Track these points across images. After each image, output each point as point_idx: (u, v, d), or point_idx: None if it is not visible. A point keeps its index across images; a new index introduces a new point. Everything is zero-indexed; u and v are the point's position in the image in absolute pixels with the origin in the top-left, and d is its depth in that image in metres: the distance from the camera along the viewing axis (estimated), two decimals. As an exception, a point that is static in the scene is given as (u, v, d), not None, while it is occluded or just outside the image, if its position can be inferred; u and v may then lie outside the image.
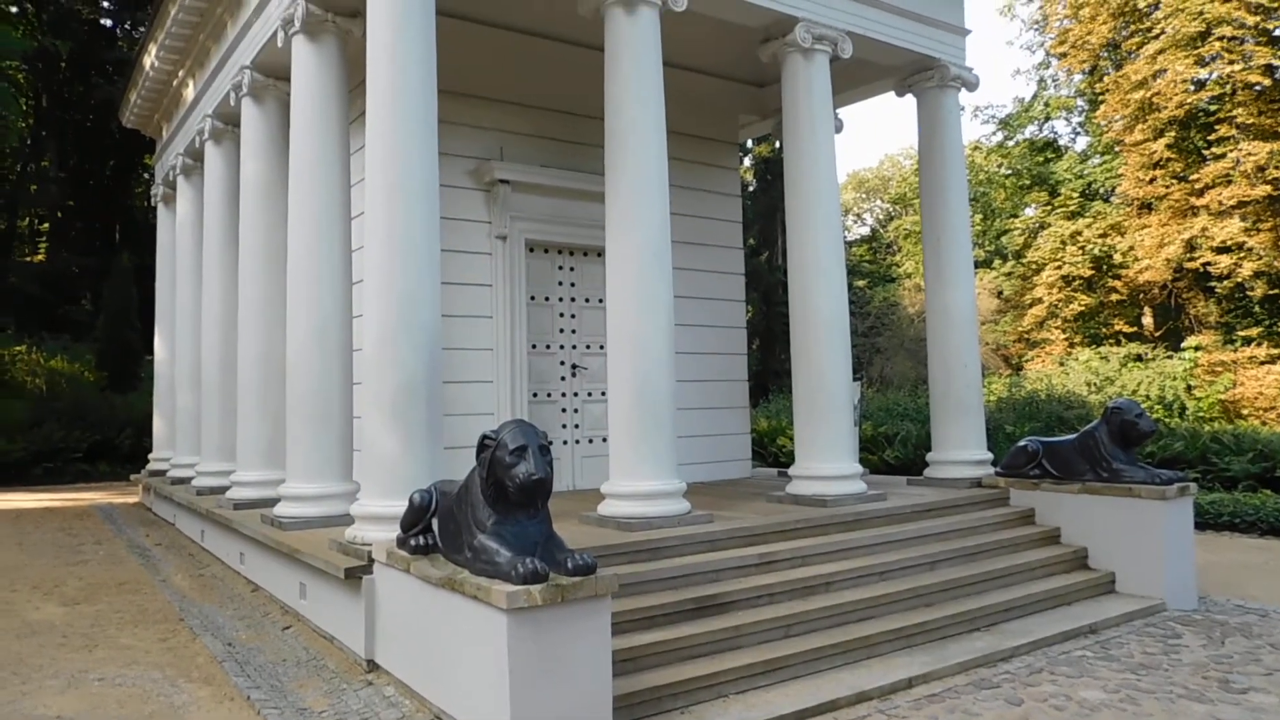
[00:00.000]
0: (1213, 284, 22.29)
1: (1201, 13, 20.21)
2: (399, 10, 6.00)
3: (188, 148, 11.76)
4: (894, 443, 14.42)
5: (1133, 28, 23.28)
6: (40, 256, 27.53)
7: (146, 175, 25.64)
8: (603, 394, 8.71)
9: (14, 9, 24.90)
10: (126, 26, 25.75)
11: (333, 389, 7.21)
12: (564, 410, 9.62)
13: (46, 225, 28.06)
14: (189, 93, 11.69)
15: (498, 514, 4.46)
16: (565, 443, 9.50)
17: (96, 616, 6.73)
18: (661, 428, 6.66)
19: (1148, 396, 19.19)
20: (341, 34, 7.42)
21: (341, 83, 7.49)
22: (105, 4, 26.10)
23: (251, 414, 8.81)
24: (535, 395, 9.32)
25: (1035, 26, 28.10)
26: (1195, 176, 21.39)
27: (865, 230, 44.63)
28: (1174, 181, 22.27)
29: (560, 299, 9.67)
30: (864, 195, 45.54)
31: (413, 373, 5.87)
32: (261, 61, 8.59)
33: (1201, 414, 18.45)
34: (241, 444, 8.94)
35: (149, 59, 12.01)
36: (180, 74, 11.83)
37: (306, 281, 7.26)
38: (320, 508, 7.08)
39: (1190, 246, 21.59)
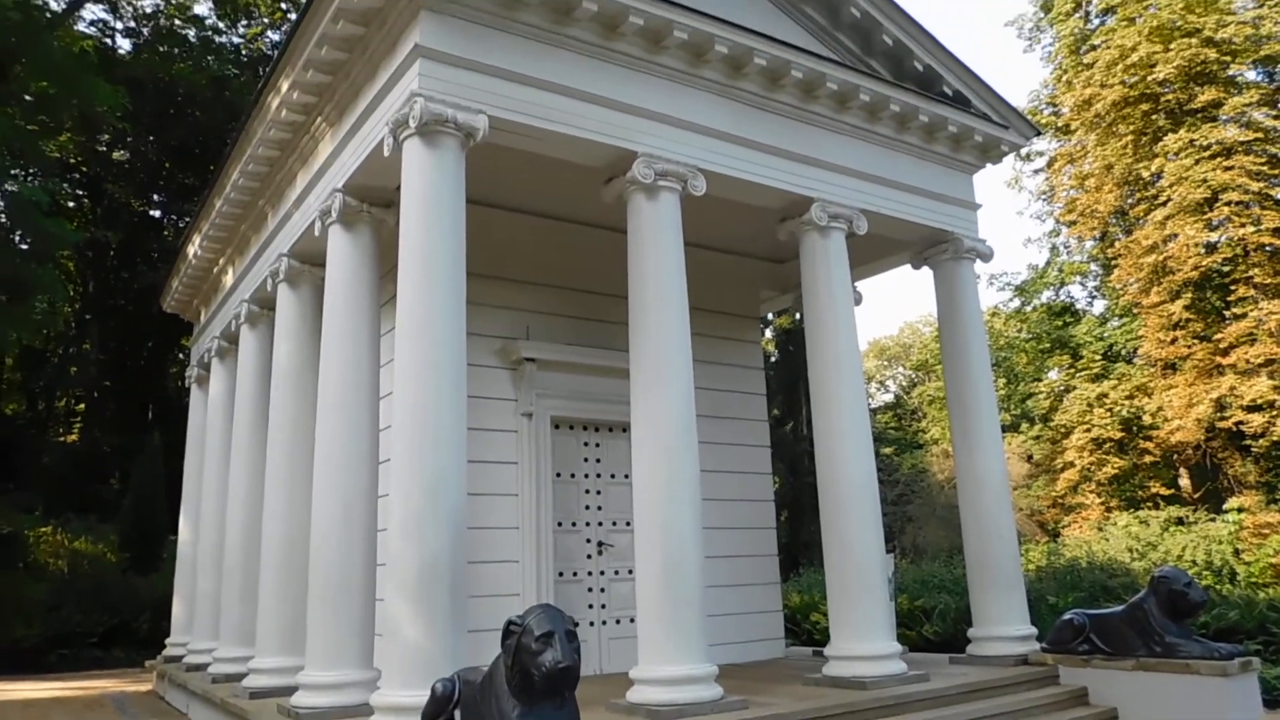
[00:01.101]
0: (1247, 443, 21.92)
1: (1205, 180, 20.82)
2: (430, 202, 6.30)
3: (224, 331, 12.13)
4: (932, 617, 13.85)
5: (1138, 195, 23.97)
6: (74, 436, 28.00)
7: (181, 356, 26.39)
8: (630, 572, 8.52)
9: (71, 204, 26.46)
10: (173, 217, 27.18)
11: (355, 570, 7.10)
12: (590, 590, 9.38)
13: (82, 405, 28.69)
14: (228, 279, 12.18)
15: (523, 704, 4.27)
16: (592, 624, 9.21)
17: (100, 820, 6.38)
18: (691, 608, 6.46)
19: (1194, 562, 18.48)
20: (375, 223, 7.77)
21: (374, 268, 7.77)
22: (156, 197, 27.68)
23: (272, 596, 8.64)
24: (561, 574, 9.11)
25: (1043, 197, 28.99)
26: (1218, 336, 21.44)
27: (889, 397, 44.71)
28: (1196, 341, 22.32)
29: (586, 475, 9.61)
30: (885, 363, 45.91)
31: (437, 554, 5.78)
32: (298, 249, 8.96)
33: (1254, 579, 17.66)
34: (261, 628, 8.72)
35: (193, 248, 12.58)
36: (221, 261, 12.36)
37: (333, 460, 7.28)
38: (339, 697, 6.81)
39: (1220, 406, 21.37)
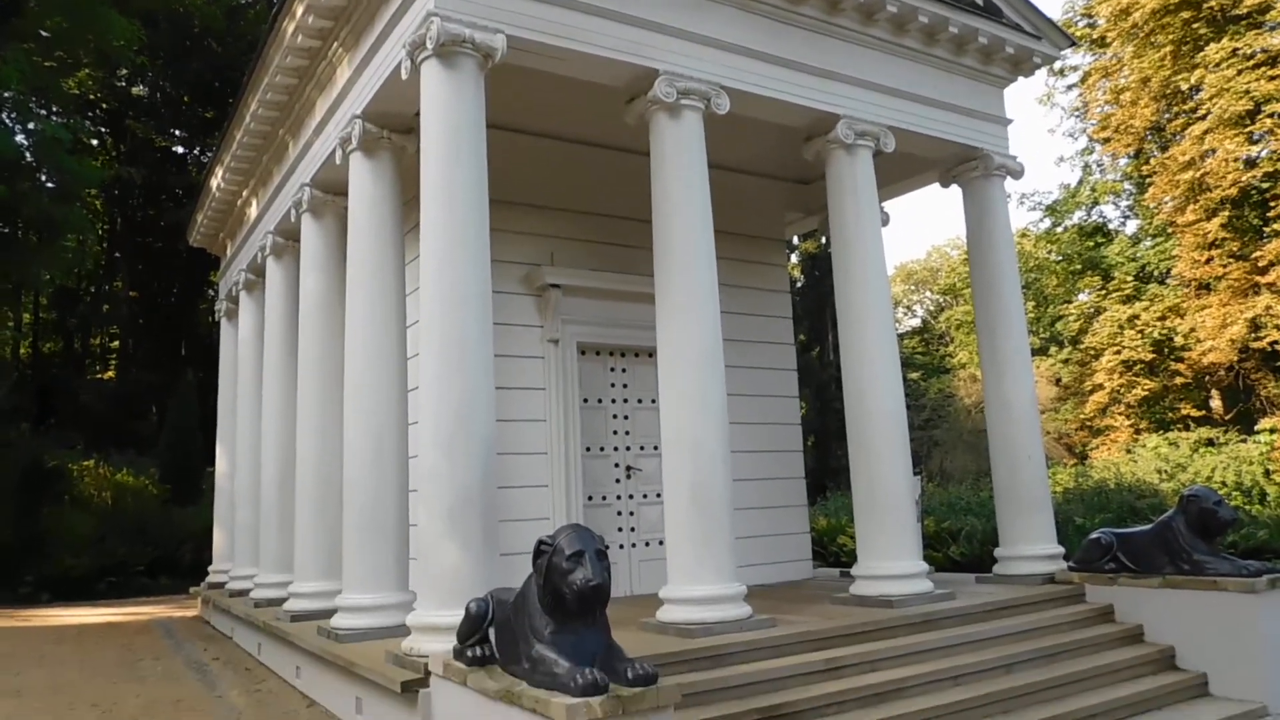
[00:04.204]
0: (1281, 364, 21.63)
1: (1248, 91, 20.11)
2: (451, 127, 6.22)
3: (250, 264, 12.19)
4: (959, 539, 13.93)
5: (1176, 109, 23.24)
6: (110, 374, 28.51)
7: (211, 293, 26.64)
8: (658, 496, 8.61)
9: (95, 141, 26.48)
10: (196, 152, 27.19)
11: (389, 498, 7.22)
12: (619, 513, 9.50)
13: (117, 344, 29.15)
14: (252, 211, 12.19)
15: (555, 622, 4.35)
16: (621, 547, 9.35)
17: (153, 735, 6.64)
18: (720, 530, 6.52)
19: (1224, 483, 18.39)
20: (396, 150, 7.70)
21: (396, 196, 7.73)
22: (177, 132, 27.64)
23: (309, 525, 8.83)
24: (590, 499, 9.23)
25: (1076, 114, 28.18)
26: (1256, 254, 20.95)
27: (916, 322, 44.39)
28: (1232, 260, 21.84)
29: (613, 401, 9.66)
30: (913, 287, 45.46)
31: (469, 480, 5.85)
32: (320, 179, 8.92)
33: (1284, 499, 17.58)
34: (299, 555, 8.94)
35: (216, 180, 12.58)
36: (244, 194, 12.36)
37: (363, 392, 7.35)
38: (377, 618, 7.00)
39: (1255, 326, 21.00)
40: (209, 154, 19.88)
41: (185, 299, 28.00)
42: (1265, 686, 6.70)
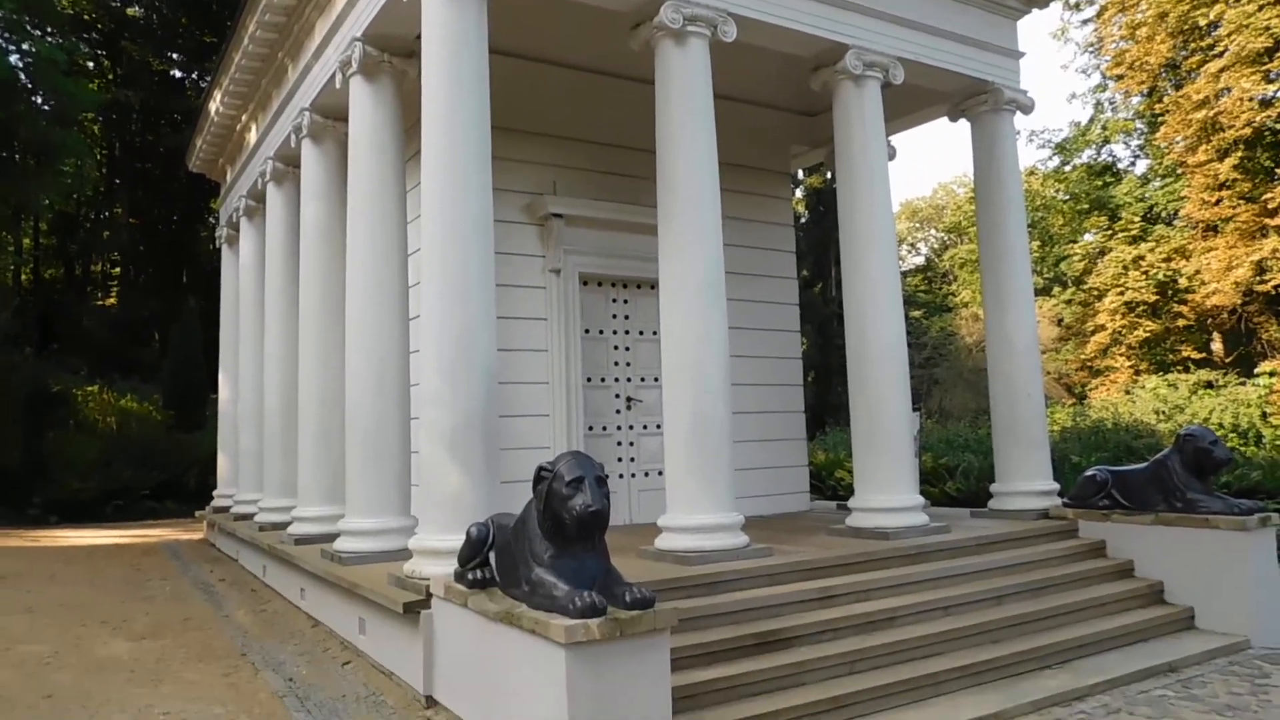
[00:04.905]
0: (1285, 307, 21.55)
1: (1268, 28, 19.67)
2: (452, 51, 6.11)
3: (250, 189, 12.09)
4: (955, 475, 14.08)
5: (1193, 46, 22.76)
6: (112, 300, 28.47)
7: (211, 219, 26.48)
8: (658, 427, 8.67)
9: (91, 64, 26.02)
10: (194, 77, 26.75)
11: (390, 425, 7.28)
12: (619, 444, 9.58)
13: (118, 270, 29.06)
14: (251, 136, 12.05)
15: (555, 547, 4.43)
16: (621, 476, 9.45)
17: (162, 652, 6.82)
18: (719, 460, 6.57)
19: (1221, 424, 18.47)
20: (397, 74, 7.58)
21: (397, 121, 7.64)
22: (174, 56, 27.14)
23: (311, 451, 8.92)
24: (590, 429, 9.30)
25: (1090, 49, 27.60)
26: (1267, 197, 20.71)
27: (920, 260, 44.15)
28: (1241, 202, 21.60)
29: (614, 332, 9.67)
30: (918, 225, 45.09)
31: (470, 408, 5.89)
32: (320, 103, 8.80)
33: (1279, 442, 17.69)
34: (302, 480, 9.05)
35: (214, 104, 12.41)
36: (244, 118, 12.20)
37: (365, 320, 7.36)
38: (379, 542, 7.12)
39: (1260, 269, 20.89)
40: (207, 78, 19.56)
41: (186, 225, 27.82)
42: (1250, 621, 6.84)
